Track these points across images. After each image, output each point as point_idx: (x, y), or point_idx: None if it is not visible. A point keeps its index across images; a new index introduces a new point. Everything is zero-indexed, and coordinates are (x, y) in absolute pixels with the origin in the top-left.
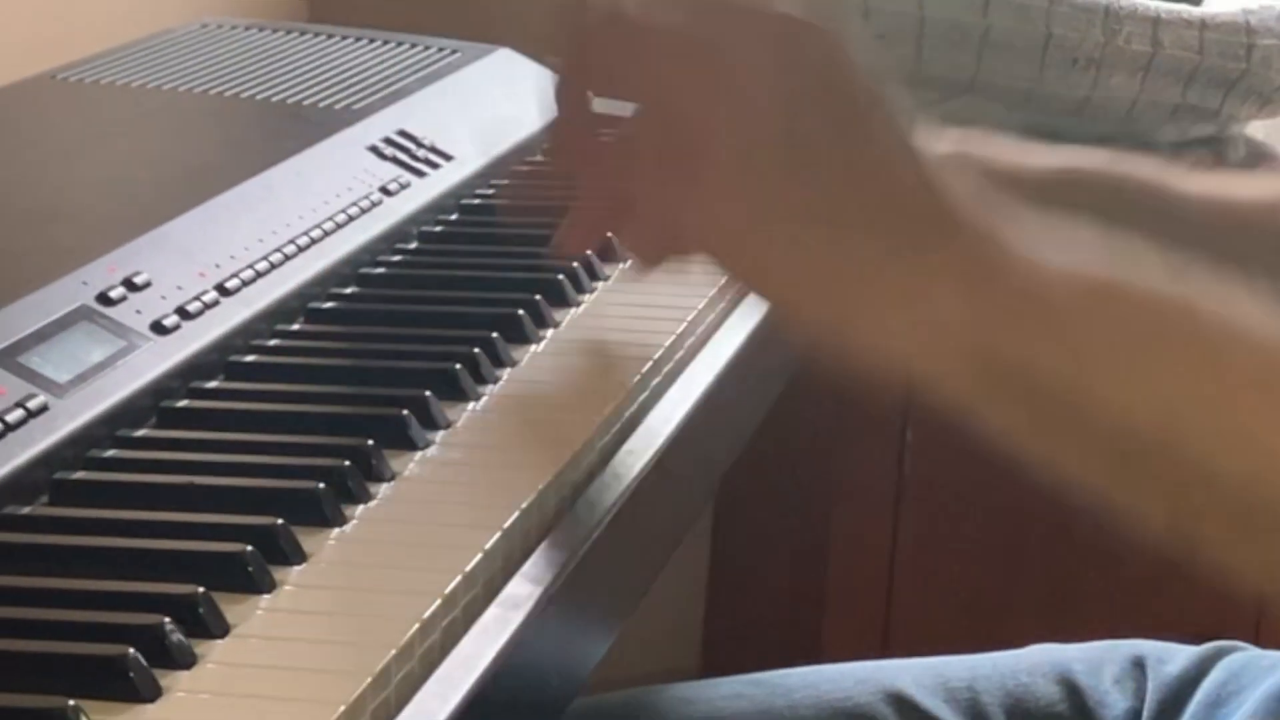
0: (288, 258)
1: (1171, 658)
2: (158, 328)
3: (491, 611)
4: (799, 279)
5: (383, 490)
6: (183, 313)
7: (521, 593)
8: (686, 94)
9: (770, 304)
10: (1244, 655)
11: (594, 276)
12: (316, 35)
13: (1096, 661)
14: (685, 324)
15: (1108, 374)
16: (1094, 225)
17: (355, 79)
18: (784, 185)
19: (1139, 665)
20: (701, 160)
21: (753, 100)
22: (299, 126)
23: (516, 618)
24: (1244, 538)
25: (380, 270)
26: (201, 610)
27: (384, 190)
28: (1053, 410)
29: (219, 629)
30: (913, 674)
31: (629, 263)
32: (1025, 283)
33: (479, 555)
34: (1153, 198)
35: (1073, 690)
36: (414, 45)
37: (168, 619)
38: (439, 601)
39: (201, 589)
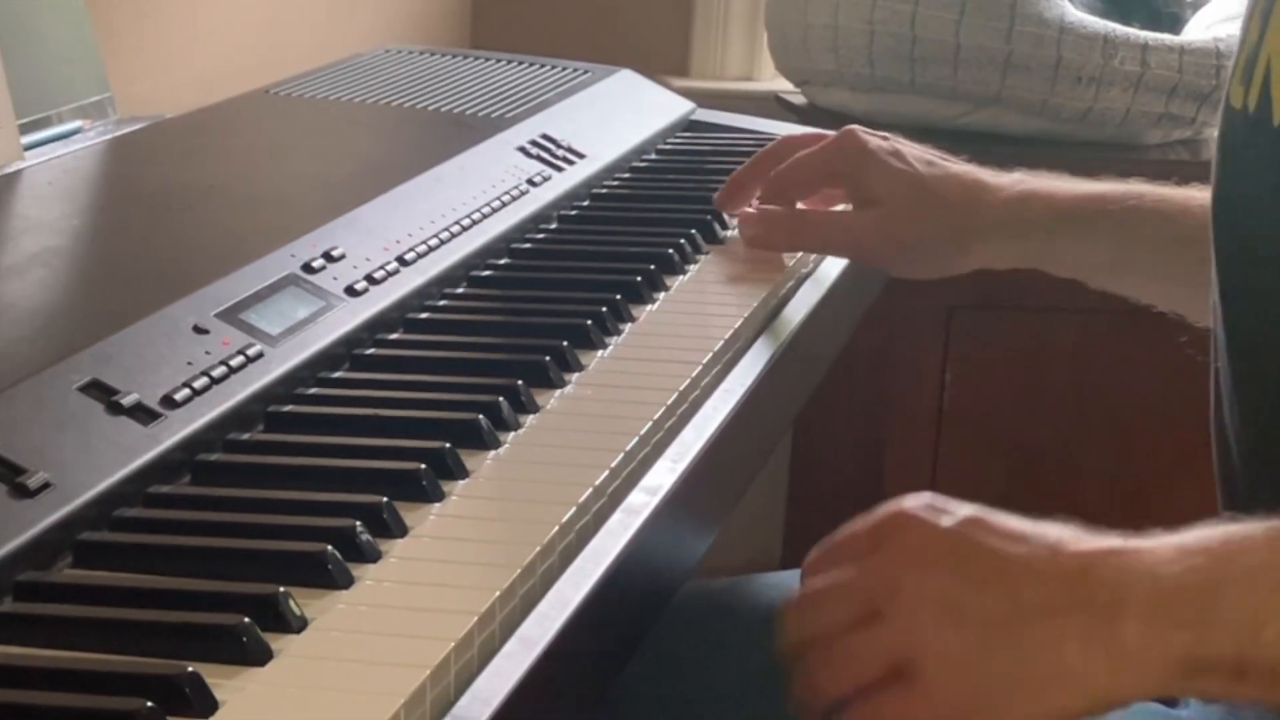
0: (454, 235)
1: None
2: (350, 291)
3: (615, 516)
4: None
5: (530, 420)
6: (370, 279)
7: (639, 501)
8: (905, 629)
9: None
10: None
11: (697, 250)
12: (476, 58)
13: None
14: (758, 301)
15: (1265, 631)
16: (1118, 237)
17: (507, 93)
18: (979, 681)
19: None
20: (918, 681)
21: (939, 630)
22: (462, 131)
23: (635, 522)
24: None
25: (527, 245)
26: (385, 516)
27: (530, 182)
28: (1248, 671)
29: (400, 531)
30: None
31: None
32: (1174, 599)
33: (605, 472)
34: (1166, 205)
35: None
36: (554, 66)
37: (358, 522)
38: (573, 509)
39: (385, 498)
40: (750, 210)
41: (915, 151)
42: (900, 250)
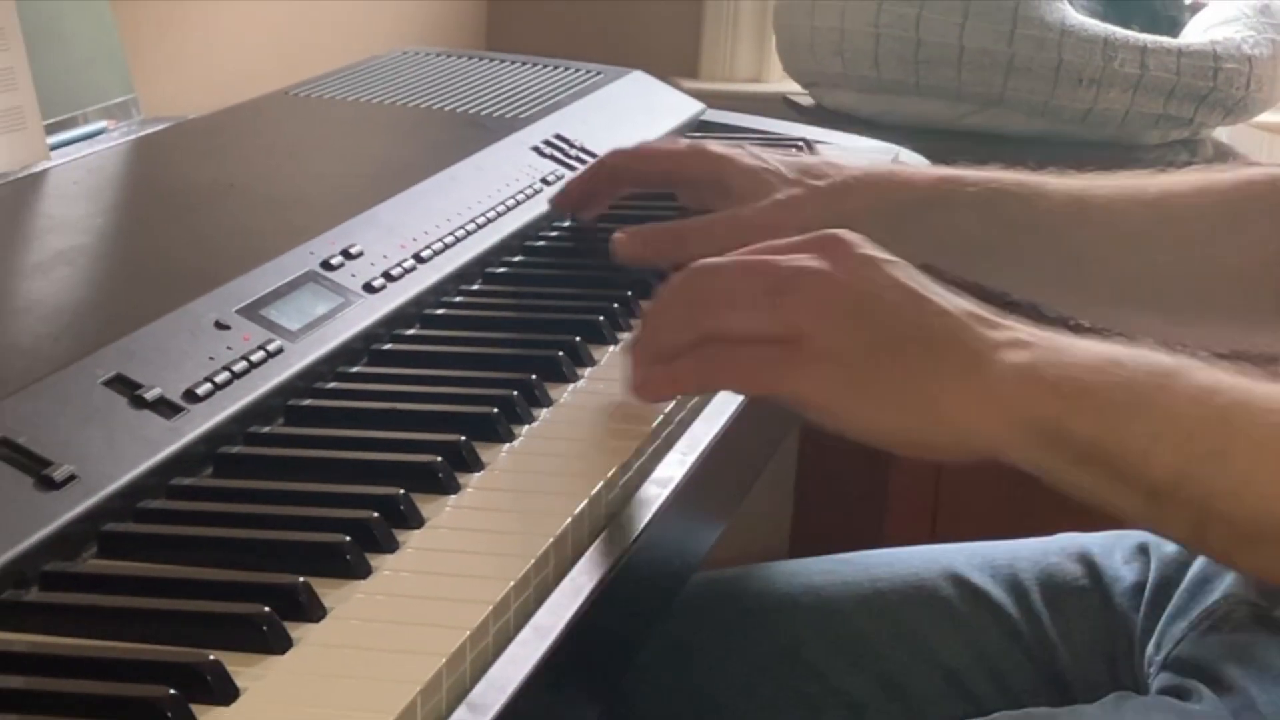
0: (469, 233)
1: (1168, 544)
2: (368, 287)
3: (627, 509)
4: (884, 437)
5: (544, 414)
6: (388, 276)
7: (651, 493)
8: (806, 310)
9: (858, 439)
10: None
11: None
12: (491, 60)
13: (1110, 545)
14: None
15: (1129, 426)
16: (974, 218)
17: (521, 94)
18: (860, 371)
19: (1143, 549)
20: (806, 351)
21: (837, 319)
22: (477, 132)
23: (647, 513)
24: (1246, 547)
25: (541, 243)
26: (402, 508)
27: (544, 181)
28: (1093, 460)
29: (416, 522)
30: (965, 555)
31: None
32: (1056, 365)
33: (617, 465)
34: (1022, 189)
35: (1092, 568)
36: (567, 68)
37: (375, 513)
38: (586, 501)
39: (402, 490)
40: (621, 234)
41: (769, 152)
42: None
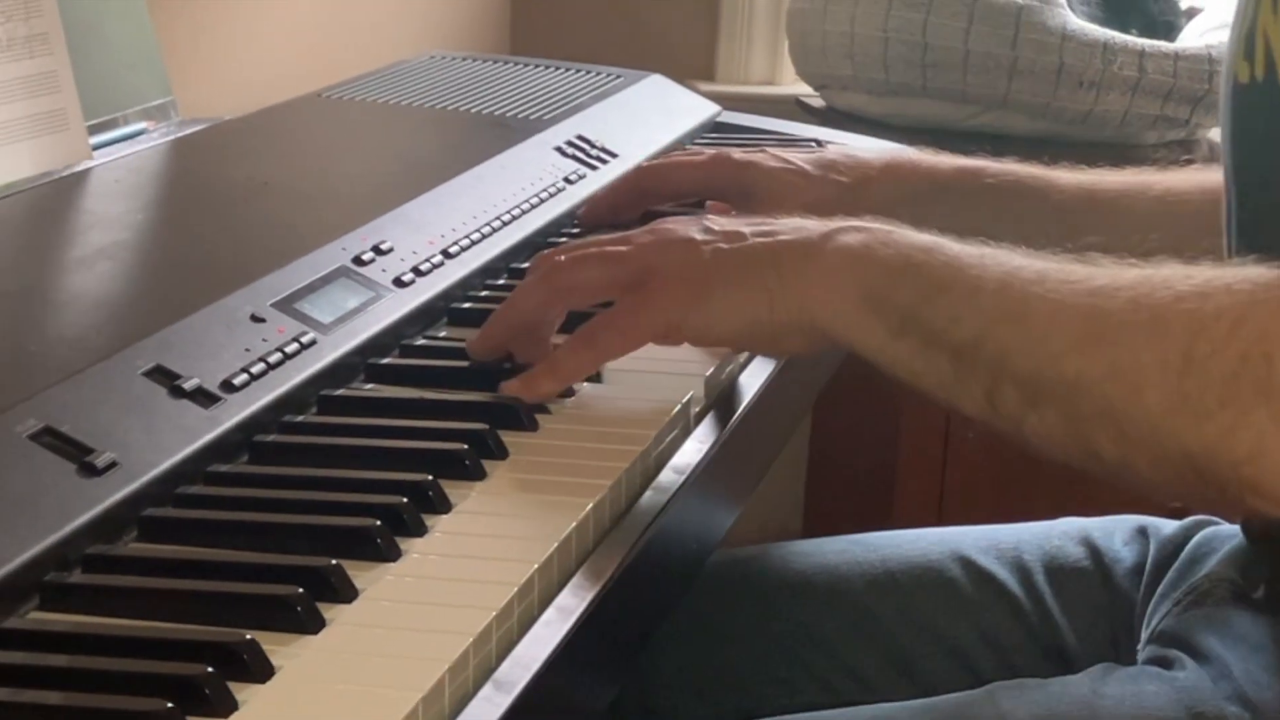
0: (495, 230)
1: (1165, 527)
2: (398, 282)
3: (647, 494)
4: (735, 327)
5: (567, 403)
6: (417, 271)
7: (669, 479)
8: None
9: (719, 344)
10: (1214, 527)
11: None
12: (516, 64)
13: (1111, 529)
14: None
15: (942, 296)
16: (992, 208)
17: (544, 96)
18: (706, 282)
19: (1142, 532)
20: (655, 283)
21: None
22: (502, 132)
23: (666, 498)
24: (1032, 409)
25: (564, 239)
26: (430, 493)
27: (566, 179)
28: (909, 328)
29: (444, 507)
30: (971, 538)
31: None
32: (887, 244)
33: (638, 451)
34: (1037, 181)
35: (1093, 550)
36: (588, 71)
37: (405, 499)
38: (608, 487)
39: (431, 476)
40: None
41: (790, 152)
42: None
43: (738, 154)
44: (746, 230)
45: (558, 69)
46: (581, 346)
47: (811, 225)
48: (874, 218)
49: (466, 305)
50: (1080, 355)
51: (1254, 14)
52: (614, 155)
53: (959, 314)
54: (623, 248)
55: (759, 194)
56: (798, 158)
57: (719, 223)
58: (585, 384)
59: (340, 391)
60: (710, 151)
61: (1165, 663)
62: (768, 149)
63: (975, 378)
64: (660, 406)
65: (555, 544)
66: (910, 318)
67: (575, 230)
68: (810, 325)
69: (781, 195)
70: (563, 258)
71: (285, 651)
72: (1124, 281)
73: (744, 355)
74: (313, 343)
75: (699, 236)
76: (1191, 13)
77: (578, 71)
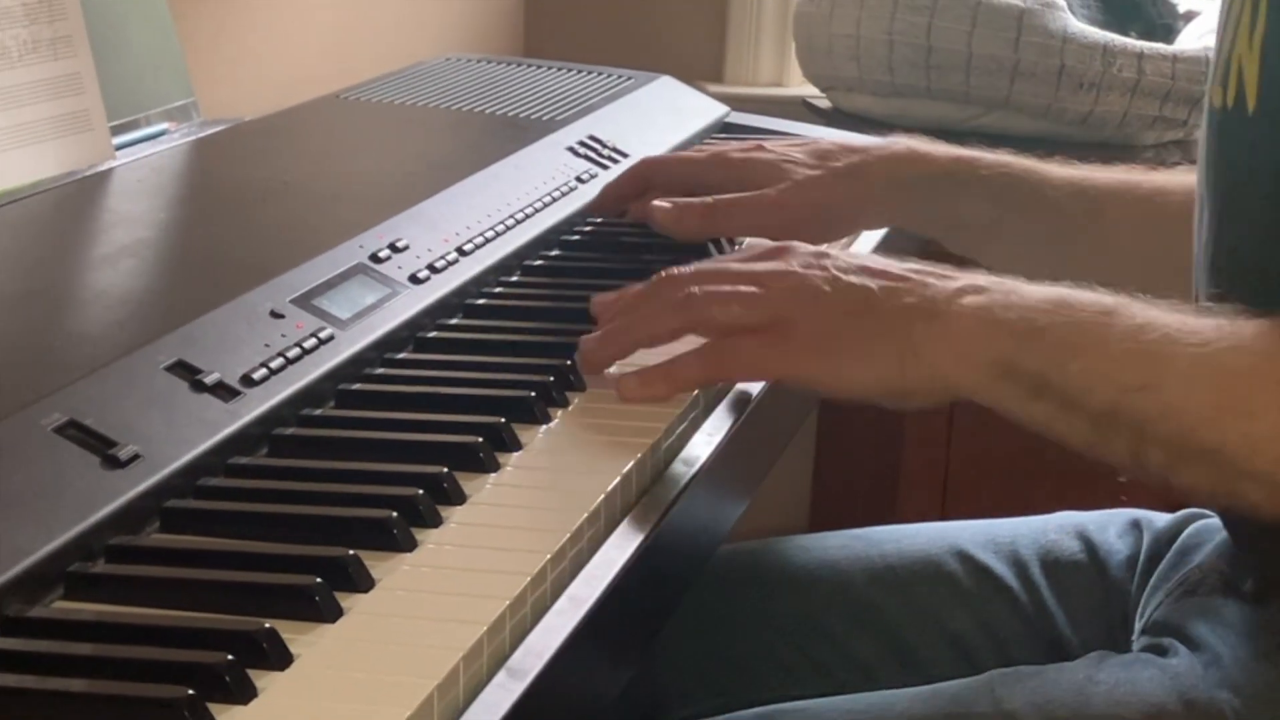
0: (509, 228)
1: (1157, 520)
2: (414, 279)
3: (656, 487)
4: (866, 387)
5: (578, 397)
6: (432, 268)
7: (679, 472)
8: (782, 300)
9: (847, 399)
10: (1204, 521)
11: (733, 243)
12: (530, 66)
13: (1105, 523)
14: None
15: (1072, 362)
16: (986, 199)
17: (557, 98)
18: (839, 340)
19: (1135, 525)
20: (789, 333)
21: (810, 303)
22: (516, 133)
23: (675, 490)
24: (1179, 467)
25: (576, 237)
26: (446, 485)
27: (578, 179)
28: (1045, 393)
29: (459, 499)
30: (969, 533)
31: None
32: (1010, 307)
33: (648, 444)
34: (1030, 175)
35: (1088, 544)
36: (600, 73)
37: (420, 490)
38: (619, 479)
39: (446, 469)
40: (662, 203)
41: (788, 144)
42: (814, 214)
43: (735, 152)
44: (874, 286)
45: (570, 71)
46: (708, 365)
47: (934, 284)
48: (986, 273)
49: (481, 301)
50: (1217, 428)
51: (1231, 42)
52: (625, 155)
53: (1091, 384)
54: (758, 290)
55: (754, 185)
56: (795, 150)
57: (845, 270)
58: (594, 376)
59: (358, 386)
60: (710, 149)
61: (1159, 650)
62: (764, 143)
63: (1118, 439)
64: (669, 403)
65: (567, 534)
66: (1042, 384)
67: (587, 228)
68: (939, 388)
69: (777, 184)
70: (697, 290)
71: (304, 640)
72: (1246, 342)
73: None
74: (331, 338)
75: (828, 289)
76: (1189, 16)
77: (590, 73)
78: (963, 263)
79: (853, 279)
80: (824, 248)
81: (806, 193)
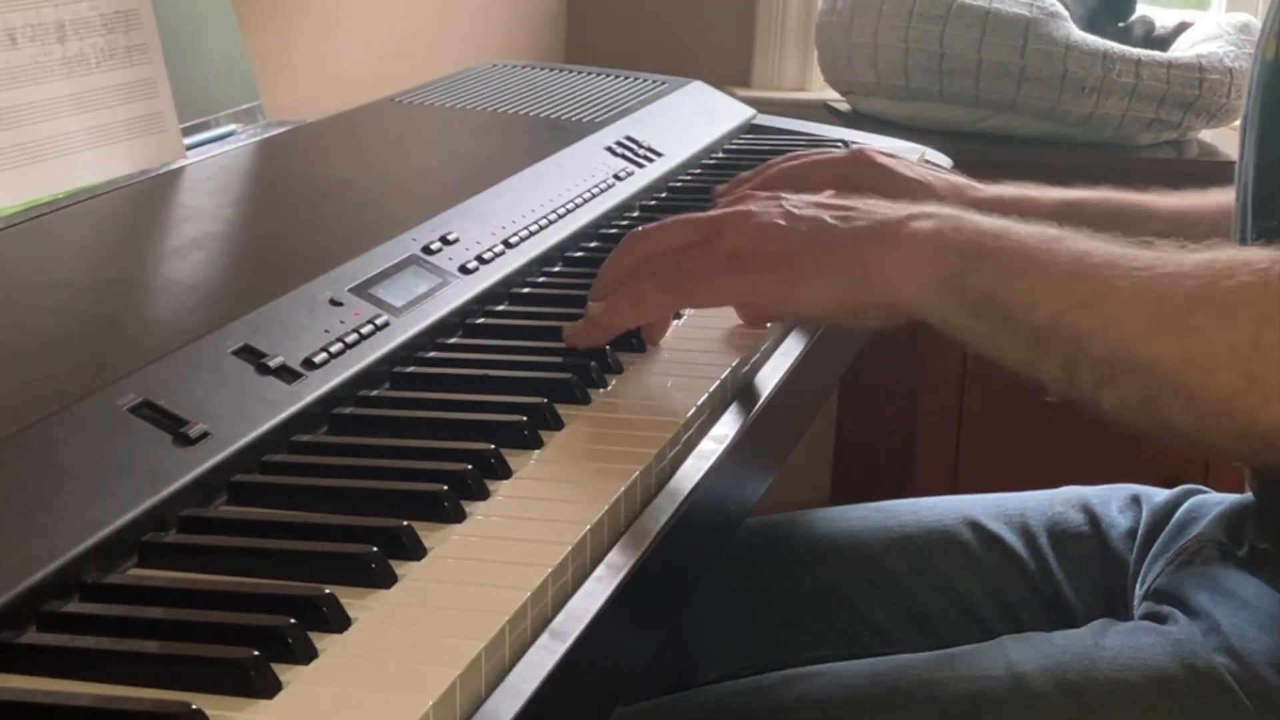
0: (551, 222)
1: (1156, 495)
2: (463, 269)
3: (689, 461)
4: (823, 305)
5: (615, 380)
6: (480, 259)
7: (709, 449)
8: (741, 234)
9: (806, 319)
10: (1202, 495)
11: None
12: (570, 71)
13: (1107, 497)
14: None
15: (1017, 280)
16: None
17: (596, 101)
18: (796, 261)
19: (1136, 500)
20: (748, 259)
21: (767, 233)
22: (558, 134)
23: (705, 465)
24: (1109, 385)
25: (613, 230)
26: (493, 461)
27: (616, 177)
28: (988, 309)
29: (505, 474)
30: (981, 505)
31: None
32: (960, 230)
33: (680, 423)
34: (1135, 210)
35: (1091, 516)
36: (635, 78)
37: (469, 466)
38: (653, 455)
39: (493, 445)
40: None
41: (921, 168)
42: None
43: (878, 156)
44: (826, 216)
45: (608, 76)
46: (669, 291)
47: (884, 210)
48: (940, 204)
49: (526, 290)
50: (1153, 341)
51: None
52: (659, 154)
53: (1034, 299)
54: (713, 215)
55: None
56: (929, 175)
57: (799, 206)
58: (634, 362)
59: (411, 368)
60: (852, 148)
61: (1159, 618)
62: (903, 158)
63: (1053, 356)
64: (699, 384)
65: (605, 507)
66: (987, 300)
67: (624, 222)
68: (891, 305)
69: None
70: (657, 244)
71: (361, 604)
72: (1188, 268)
73: (774, 339)
74: (386, 324)
75: (782, 222)
76: (1182, 27)
77: (626, 78)
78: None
79: (806, 211)
80: (781, 194)
81: None
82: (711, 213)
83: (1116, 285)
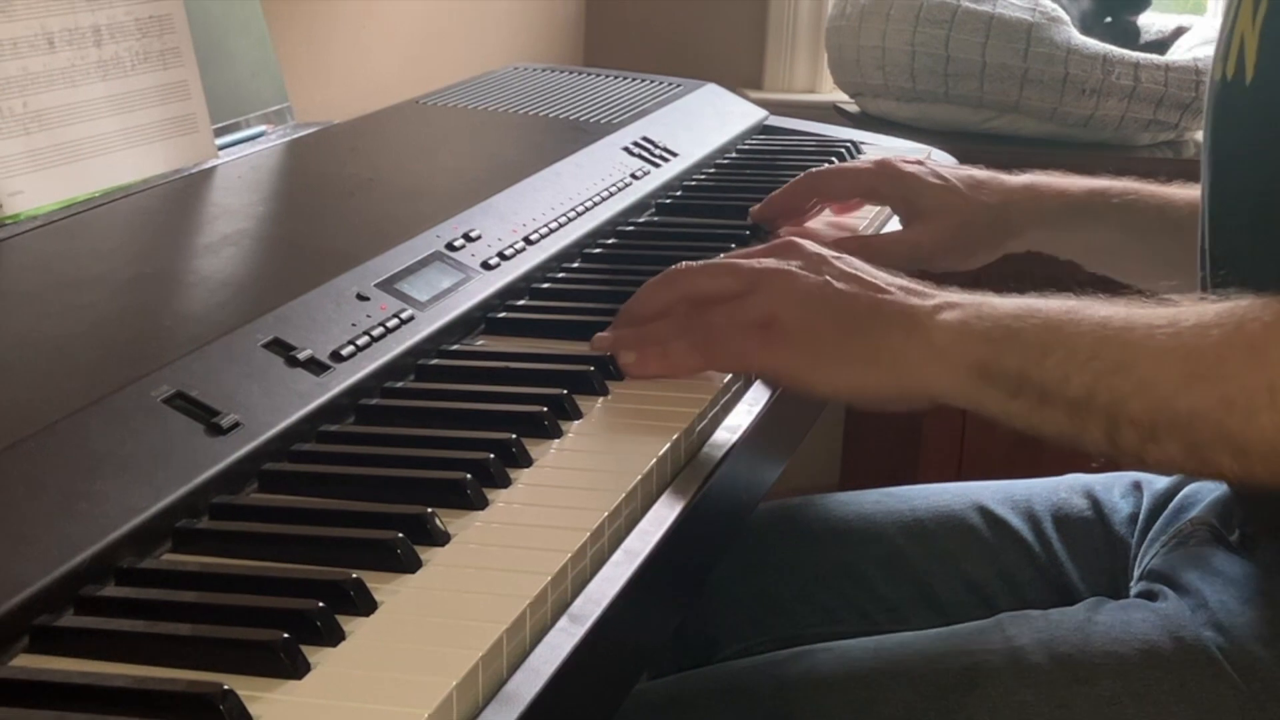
0: (570, 219)
1: (1156, 482)
2: (485, 265)
3: (704, 450)
4: (844, 390)
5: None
6: (501, 255)
7: (723, 438)
8: (775, 300)
9: (821, 397)
10: (1198, 483)
11: (771, 233)
12: (588, 74)
13: (1110, 483)
14: None
15: (1048, 357)
16: (1119, 225)
17: (614, 103)
18: (822, 343)
19: (1136, 486)
20: (777, 331)
21: (800, 305)
22: (577, 134)
23: (720, 453)
24: (1152, 443)
25: (630, 228)
26: (514, 450)
27: (633, 176)
28: (1023, 390)
29: (525, 462)
30: (989, 491)
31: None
32: (984, 318)
33: (695, 413)
34: (1156, 199)
35: (1094, 501)
36: (651, 80)
37: (491, 455)
38: (669, 444)
39: (514, 435)
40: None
41: (945, 169)
42: (953, 250)
43: (903, 166)
44: (860, 295)
45: (625, 78)
46: (698, 351)
47: (914, 301)
48: (959, 290)
49: (546, 285)
50: (1190, 393)
51: (1234, 17)
52: (674, 154)
53: (1066, 373)
54: (754, 291)
55: (918, 205)
56: (952, 175)
57: (838, 277)
58: None
59: (435, 361)
60: (875, 160)
61: (1151, 596)
62: (927, 164)
63: (1093, 425)
64: (715, 375)
65: (623, 494)
66: (1021, 381)
67: (640, 220)
68: (918, 393)
69: (937, 211)
70: (695, 290)
71: (387, 589)
72: (1210, 318)
73: None
74: (411, 318)
75: (818, 295)
76: (1180, 31)
77: (642, 81)
78: (942, 281)
79: (843, 286)
80: (823, 250)
81: (956, 232)
82: (755, 262)
83: (1144, 345)
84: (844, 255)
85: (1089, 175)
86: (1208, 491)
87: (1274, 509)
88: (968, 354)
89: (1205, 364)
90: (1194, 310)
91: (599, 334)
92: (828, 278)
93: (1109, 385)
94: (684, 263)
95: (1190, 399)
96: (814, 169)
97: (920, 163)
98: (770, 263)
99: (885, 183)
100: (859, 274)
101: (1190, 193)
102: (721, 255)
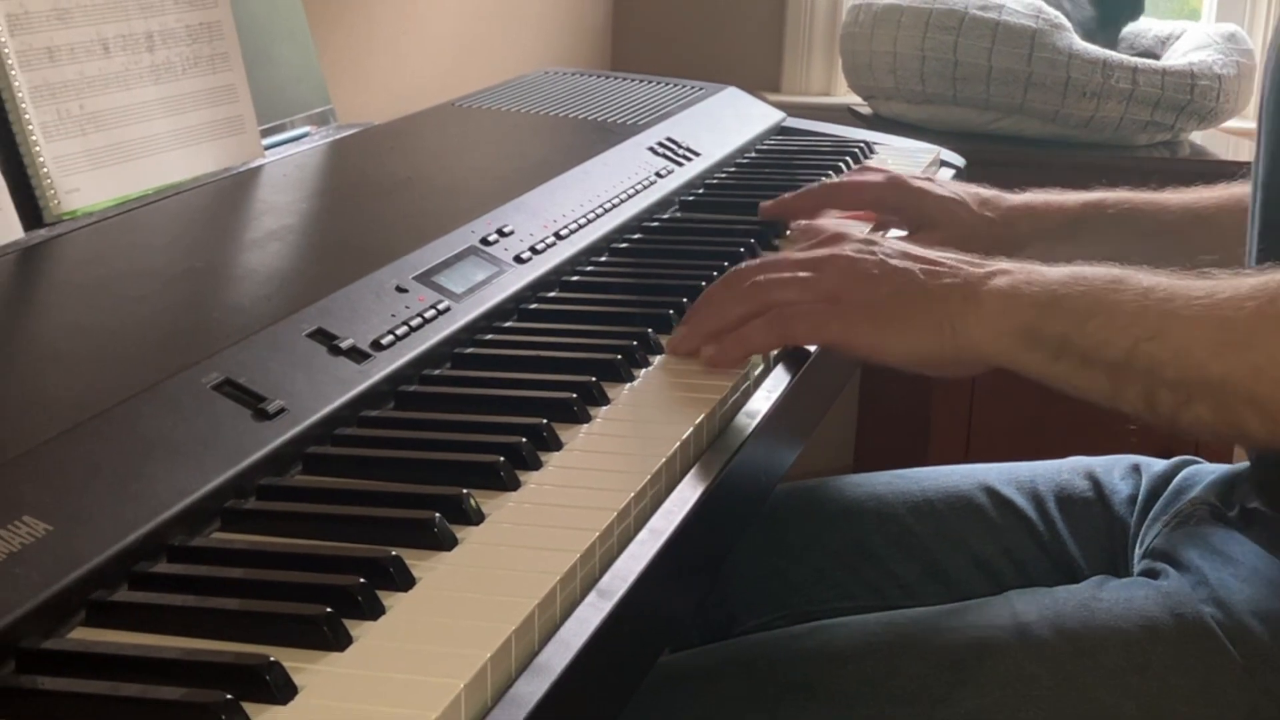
0: (598, 215)
1: (1155, 465)
2: (518, 259)
3: (724, 435)
4: (910, 356)
5: (657, 359)
6: (533, 250)
7: (743, 422)
8: (839, 279)
9: (892, 366)
10: (1196, 465)
11: (788, 227)
12: (615, 78)
13: (1111, 466)
14: None
15: (1089, 322)
16: (1115, 234)
17: (639, 105)
18: (888, 315)
19: (1136, 469)
20: (846, 306)
21: (863, 281)
22: (604, 135)
23: (740, 437)
24: (1187, 406)
25: (655, 224)
26: (545, 434)
27: (657, 174)
28: (1066, 353)
29: (556, 445)
30: (996, 472)
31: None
32: (1032, 283)
33: (717, 398)
34: (1150, 205)
35: (1095, 483)
36: (675, 84)
37: (523, 439)
38: (692, 428)
39: (545, 420)
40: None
41: (952, 184)
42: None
43: (914, 180)
44: (917, 270)
45: (650, 82)
46: (772, 330)
47: (967, 269)
48: (1011, 259)
49: (575, 278)
50: (1222, 360)
51: None
52: (697, 154)
53: (1107, 337)
54: (815, 273)
55: (926, 215)
56: (961, 190)
57: (891, 255)
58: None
59: (470, 349)
60: (886, 174)
61: (1153, 574)
62: (936, 178)
63: (1131, 388)
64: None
65: (648, 476)
66: (1065, 344)
67: (665, 216)
68: (973, 357)
69: (944, 221)
70: (762, 279)
71: (424, 565)
72: (1245, 291)
73: None
74: (447, 309)
75: (877, 272)
76: (1175, 36)
77: (666, 84)
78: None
79: (897, 263)
80: (872, 234)
81: (962, 244)
82: (811, 253)
83: (1181, 314)
84: (889, 238)
85: (1087, 182)
86: (1206, 473)
87: None
88: (1015, 318)
89: (1238, 333)
90: (1230, 284)
91: (673, 337)
92: (882, 255)
93: (1147, 351)
94: (743, 263)
95: (1223, 365)
96: (829, 181)
97: (929, 179)
98: (826, 250)
99: (895, 194)
100: (910, 250)
101: (1182, 197)
102: (774, 254)
